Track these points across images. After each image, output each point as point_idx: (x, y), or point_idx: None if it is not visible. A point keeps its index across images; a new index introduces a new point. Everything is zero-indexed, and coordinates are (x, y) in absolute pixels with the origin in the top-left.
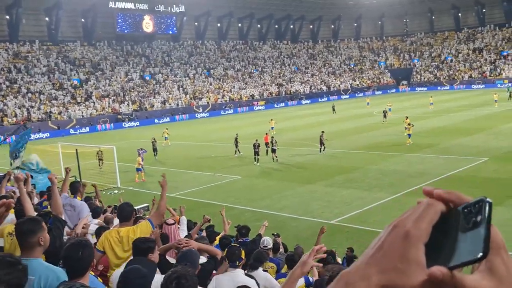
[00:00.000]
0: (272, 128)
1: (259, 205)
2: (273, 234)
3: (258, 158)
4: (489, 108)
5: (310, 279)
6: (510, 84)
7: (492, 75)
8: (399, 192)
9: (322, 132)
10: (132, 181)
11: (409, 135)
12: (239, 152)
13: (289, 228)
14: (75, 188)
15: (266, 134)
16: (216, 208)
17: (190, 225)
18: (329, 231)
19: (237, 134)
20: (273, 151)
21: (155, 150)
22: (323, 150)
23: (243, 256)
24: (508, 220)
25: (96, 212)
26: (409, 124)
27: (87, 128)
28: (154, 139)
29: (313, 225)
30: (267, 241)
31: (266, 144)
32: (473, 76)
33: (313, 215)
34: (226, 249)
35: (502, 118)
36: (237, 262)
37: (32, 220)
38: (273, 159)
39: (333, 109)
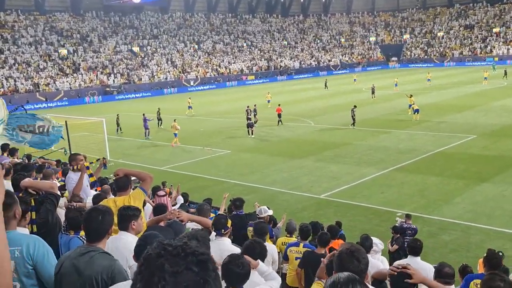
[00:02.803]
0: (268, 101)
1: (249, 179)
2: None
3: (252, 131)
4: (479, 86)
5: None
6: (495, 61)
7: (482, 52)
8: (387, 168)
9: (354, 106)
10: (121, 153)
11: (417, 110)
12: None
13: (279, 202)
14: (71, 160)
15: (279, 105)
16: (206, 182)
17: (185, 197)
18: (318, 205)
19: (255, 105)
20: (250, 125)
21: (159, 120)
22: (353, 125)
23: (229, 225)
24: (495, 196)
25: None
26: (414, 104)
27: (76, 101)
28: (158, 109)
29: (303, 199)
30: (260, 210)
31: (279, 115)
32: (464, 53)
33: (302, 190)
34: (213, 218)
35: (491, 96)
36: (222, 230)
37: (6, 194)
38: (248, 133)
39: (325, 85)
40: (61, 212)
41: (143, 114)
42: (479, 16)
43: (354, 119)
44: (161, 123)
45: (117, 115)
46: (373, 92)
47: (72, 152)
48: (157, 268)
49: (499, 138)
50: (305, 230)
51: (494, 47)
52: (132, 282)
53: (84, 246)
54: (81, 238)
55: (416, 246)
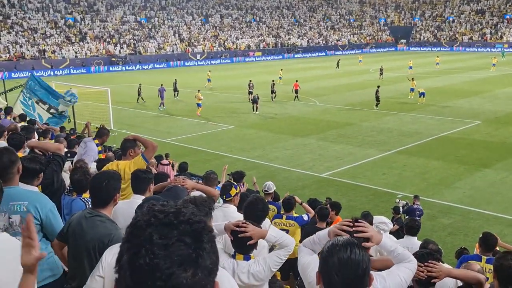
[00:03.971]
0: (280, 78)
1: (251, 155)
2: None
3: (257, 107)
4: (487, 72)
5: (305, 217)
6: (504, 48)
7: (492, 38)
8: (390, 150)
9: (378, 86)
10: (124, 123)
11: (423, 93)
12: (274, 98)
13: (280, 179)
14: (103, 134)
15: (296, 81)
16: (208, 155)
17: (185, 166)
18: (319, 184)
19: (273, 80)
20: (254, 101)
21: (175, 90)
22: (377, 107)
23: (232, 193)
24: (495, 182)
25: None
26: (415, 87)
27: (81, 69)
28: (175, 80)
29: (304, 177)
30: (269, 185)
31: (296, 91)
32: (474, 38)
33: (304, 168)
34: (221, 186)
35: (498, 82)
36: (224, 196)
37: (9, 151)
38: (253, 109)
39: (337, 64)
40: (65, 176)
41: (161, 85)
42: (491, 1)
43: (378, 100)
44: (177, 94)
45: (139, 84)
46: (381, 73)
47: (105, 127)
48: (145, 240)
49: (503, 125)
50: (287, 202)
51: (504, 33)
52: (120, 249)
53: (90, 209)
54: (83, 199)
55: (414, 226)
